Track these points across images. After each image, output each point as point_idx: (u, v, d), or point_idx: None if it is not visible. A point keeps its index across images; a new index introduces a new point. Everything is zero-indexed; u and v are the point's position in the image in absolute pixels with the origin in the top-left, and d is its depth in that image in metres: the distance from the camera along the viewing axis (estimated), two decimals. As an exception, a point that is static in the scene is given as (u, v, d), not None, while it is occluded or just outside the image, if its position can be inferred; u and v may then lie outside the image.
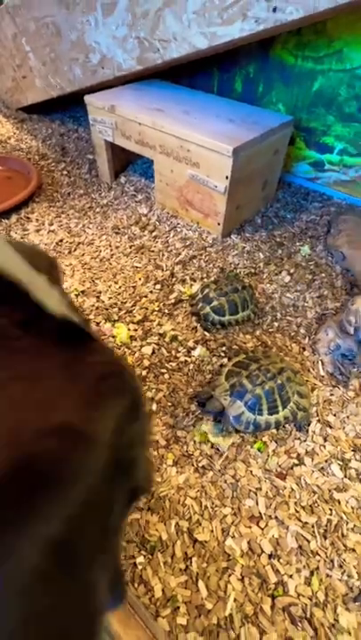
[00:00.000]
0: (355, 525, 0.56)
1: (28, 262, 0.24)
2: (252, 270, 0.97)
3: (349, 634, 0.47)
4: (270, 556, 0.53)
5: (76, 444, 0.17)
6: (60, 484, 0.16)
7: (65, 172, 1.32)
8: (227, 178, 0.90)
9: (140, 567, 0.51)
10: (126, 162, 1.30)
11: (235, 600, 0.49)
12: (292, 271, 0.97)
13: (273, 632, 0.47)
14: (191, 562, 0.52)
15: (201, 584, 0.50)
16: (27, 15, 1.23)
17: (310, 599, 0.49)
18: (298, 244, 1.05)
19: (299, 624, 0.47)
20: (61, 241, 1.04)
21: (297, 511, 0.57)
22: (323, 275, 0.96)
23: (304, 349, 0.80)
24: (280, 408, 0.63)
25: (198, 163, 0.93)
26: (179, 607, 0.48)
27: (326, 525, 0.56)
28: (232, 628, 0.47)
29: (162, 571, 0.51)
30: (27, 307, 0.19)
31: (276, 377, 0.64)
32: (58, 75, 1.31)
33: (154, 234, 1.07)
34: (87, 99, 1.09)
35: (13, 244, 0.29)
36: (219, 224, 1.02)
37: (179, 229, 1.09)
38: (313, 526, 0.56)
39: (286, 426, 0.67)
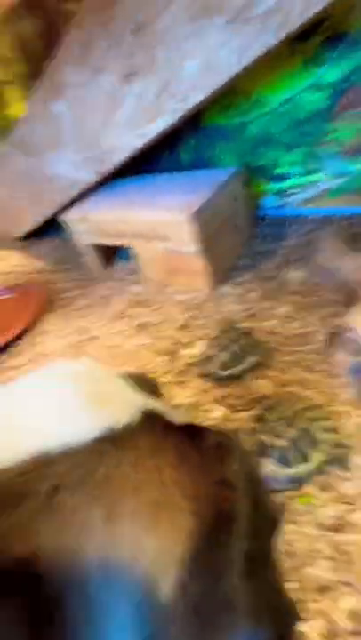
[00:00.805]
0: None
1: (141, 387, 0.40)
2: (250, 312, 0.98)
3: None
4: (353, 634, 0.46)
5: (233, 489, 0.28)
6: (235, 516, 0.27)
7: (66, 280, 1.47)
8: (194, 241, 0.96)
9: None
10: (113, 251, 1.43)
11: None
12: (289, 300, 0.97)
13: None
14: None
15: None
16: (4, 175, 1.50)
17: None
18: (286, 271, 1.06)
19: None
20: (74, 343, 1.13)
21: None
22: (320, 294, 0.95)
23: (324, 377, 0.76)
24: (311, 453, 0.59)
25: (167, 236, 1.01)
26: None
27: None
28: None
29: None
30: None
31: (294, 421, 0.61)
32: (40, 204, 1.53)
33: (152, 308, 1.14)
34: (64, 217, 1.26)
35: (129, 377, 0.43)
36: (205, 280, 1.06)
37: (172, 296, 1.14)
38: (391, 583, 0.49)
39: (327, 469, 0.62)
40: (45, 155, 1.28)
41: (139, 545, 0.25)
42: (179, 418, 0.40)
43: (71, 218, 1.24)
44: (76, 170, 1.25)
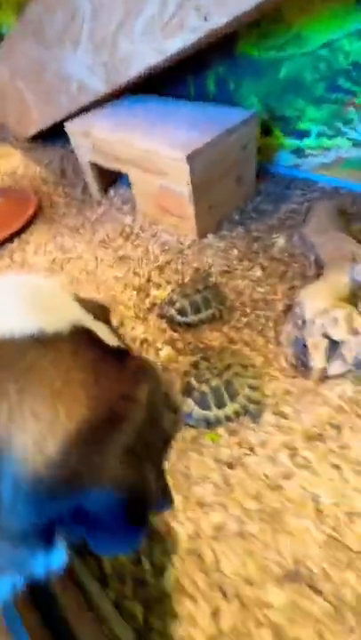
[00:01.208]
0: (297, 512, 0.58)
1: (89, 311, 0.46)
2: (226, 268, 1.00)
3: (277, 610, 0.50)
4: (212, 538, 0.57)
5: (130, 402, 0.36)
6: (126, 420, 0.36)
7: (62, 194, 1.44)
8: (188, 183, 0.93)
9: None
10: (114, 176, 1.38)
11: (173, 576, 0.54)
12: (265, 265, 0.98)
13: (204, 603, 0.51)
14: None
15: (145, 560, 0.56)
16: (14, 58, 1.37)
17: (243, 578, 0.53)
18: (274, 236, 1.05)
19: (229, 599, 0.51)
20: (54, 260, 1.16)
21: (243, 498, 0.61)
22: (296, 265, 0.95)
23: (269, 342, 0.81)
24: (228, 402, 0.66)
25: (164, 172, 0.98)
26: (126, 580, 0.55)
27: (269, 512, 0.58)
28: (169, 600, 0.53)
29: (113, 549, 0.58)
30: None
31: (222, 373, 0.67)
32: (49, 105, 1.44)
33: (136, 242, 1.14)
34: (67, 126, 1.19)
35: (78, 299, 0.49)
36: (193, 226, 1.06)
37: (159, 235, 1.14)
38: (256, 512, 0.59)
39: (241, 418, 0.70)
40: (58, 49, 1.17)
41: (37, 414, 0.34)
42: (112, 341, 0.46)
43: (74, 130, 1.17)
44: (89, 75, 1.15)
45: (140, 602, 0.53)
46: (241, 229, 1.10)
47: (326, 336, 0.59)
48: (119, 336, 0.54)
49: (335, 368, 0.63)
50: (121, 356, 0.44)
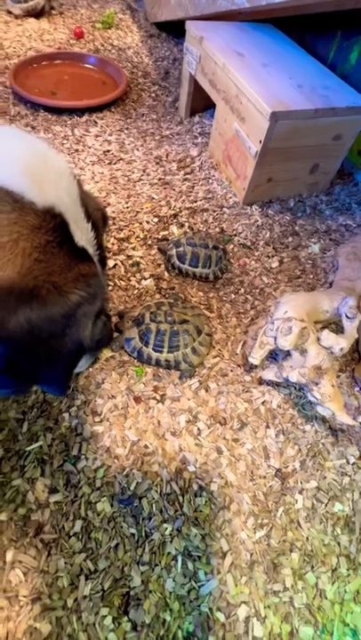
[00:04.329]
0: (161, 462, 0.63)
1: (86, 206, 0.49)
2: (249, 244, 0.97)
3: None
4: (84, 440, 0.64)
5: (56, 294, 0.42)
6: (43, 303, 0.41)
7: (153, 95, 1.38)
8: (260, 142, 0.88)
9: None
10: (206, 103, 1.29)
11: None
12: (285, 260, 0.95)
13: (48, 479, 0.59)
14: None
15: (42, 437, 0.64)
16: None
17: (91, 472, 0.60)
18: (313, 240, 1.00)
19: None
20: (109, 151, 1.15)
21: (129, 427, 0.66)
22: (311, 276, 0.92)
23: (239, 327, 0.82)
24: (165, 350, 0.69)
25: (245, 118, 0.92)
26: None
27: (140, 447, 0.64)
28: (25, 459, 0.61)
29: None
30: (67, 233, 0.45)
31: (174, 324, 0.69)
32: (188, -3, 1.32)
33: (187, 176, 1.11)
34: (188, 24, 1.10)
35: (82, 191, 0.51)
36: (244, 189, 1.01)
37: (211, 182, 1.10)
38: (130, 441, 0.64)
39: (172, 371, 0.73)
40: None
41: None
42: (83, 242, 0.48)
43: (192, 31, 1.08)
44: (236, -22, 1.04)
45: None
46: (287, 217, 1.04)
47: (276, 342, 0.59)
48: (100, 242, 0.55)
49: (266, 373, 0.64)
50: (80, 256, 0.47)
